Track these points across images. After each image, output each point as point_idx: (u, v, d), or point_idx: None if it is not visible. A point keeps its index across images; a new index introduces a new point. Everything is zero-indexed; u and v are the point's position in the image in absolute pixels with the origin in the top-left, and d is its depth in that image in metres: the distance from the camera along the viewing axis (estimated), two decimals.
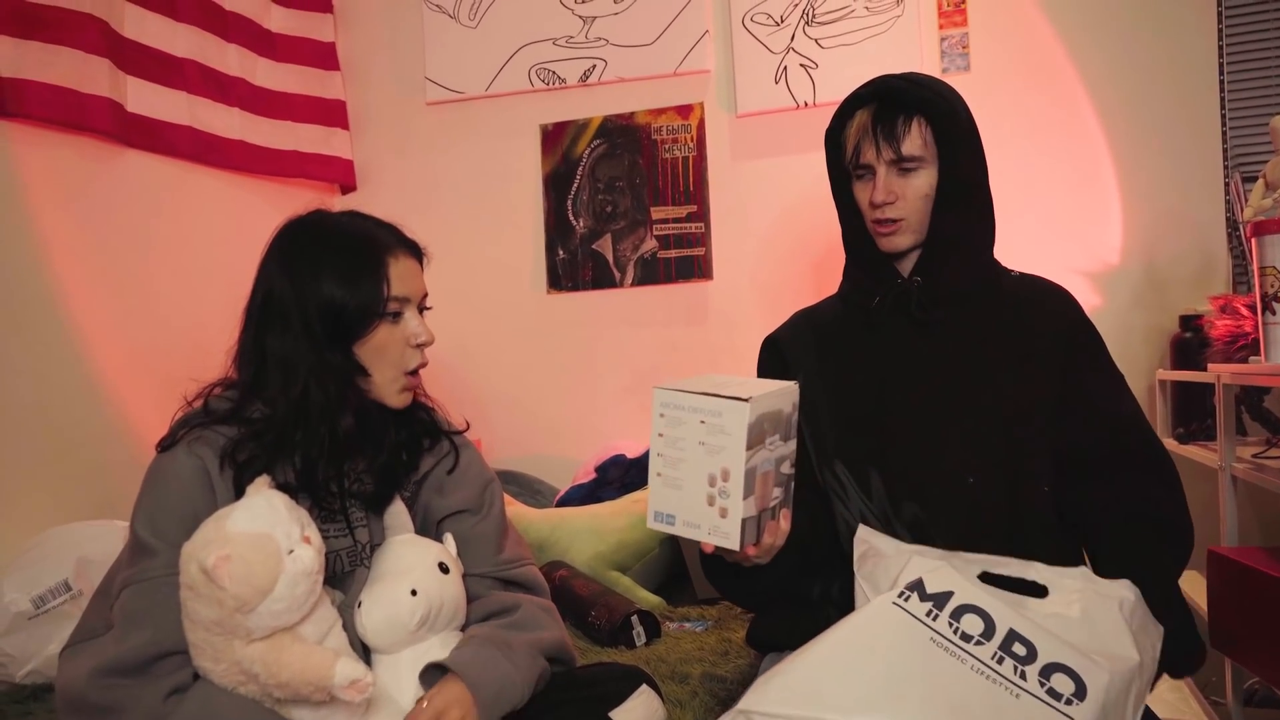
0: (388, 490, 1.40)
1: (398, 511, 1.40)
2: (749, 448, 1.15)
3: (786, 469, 1.27)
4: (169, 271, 2.57)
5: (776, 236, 2.93)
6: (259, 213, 2.88)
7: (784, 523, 1.28)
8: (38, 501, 2.14)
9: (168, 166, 2.63)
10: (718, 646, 1.95)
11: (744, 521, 1.17)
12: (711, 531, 1.18)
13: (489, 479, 1.55)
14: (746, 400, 1.14)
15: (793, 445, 1.27)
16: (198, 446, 1.28)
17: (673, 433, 1.19)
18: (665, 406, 1.20)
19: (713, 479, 1.17)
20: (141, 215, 2.54)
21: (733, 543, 1.17)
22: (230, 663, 1.17)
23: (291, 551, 1.18)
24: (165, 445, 1.31)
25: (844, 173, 1.54)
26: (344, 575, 1.35)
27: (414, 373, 1.38)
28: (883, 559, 1.30)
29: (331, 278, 1.30)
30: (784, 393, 1.22)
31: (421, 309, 1.40)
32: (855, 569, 1.33)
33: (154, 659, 1.18)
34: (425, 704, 1.24)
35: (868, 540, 1.36)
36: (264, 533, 1.17)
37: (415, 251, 1.41)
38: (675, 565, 2.43)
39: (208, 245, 2.68)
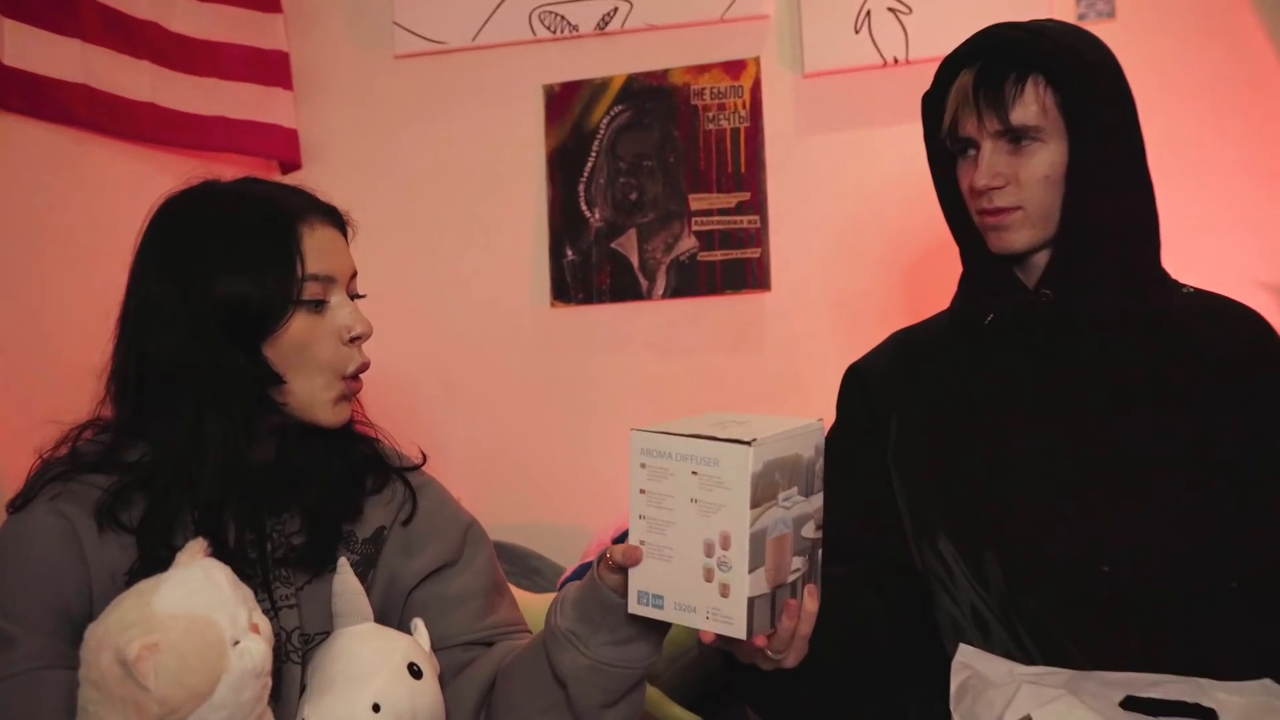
0: (327, 539, 1.39)
1: (348, 592, 1.38)
2: (755, 505, 1.14)
3: (810, 532, 1.25)
4: (56, 276, 2.57)
5: (856, 234, 2.92)
6: None
7: (810, 602, 1.25)
8: None
9: (56, 136, 2.63)
10: None
11: (752, 601, 1.15)
12: (710, 615, 1.17)
13: (467, 521, 1.55)
14: (749, 443, 1.12)
15: (818, 501, 1.26)
16: (63, 503, 1.28)
17: (657, 488, 1.19)
18: (647, 454, 1.20)
19: (710, 546, 1.16)
20: (21, 202, 2.54)
21: (738, 629, 1.16)
22: None
23: (237, 643, 1.16)
24: (18, 504, 1.31)
25: (945, 151, 1.55)
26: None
27: (353, 376, 1.38)
28: (985, 691, 1.27)
29: (228, 267, 1.30)
30: (802, 434, 1.21)
31: (352, 294, 1.40)
32: (952, 707, 1.30)
33: None
34: None
35: (970, 664, 1.33)
36: (203, 616, 1.16)
37: (336, 219, 1.41)
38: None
39: (109, 241, 2.66)
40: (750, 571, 1.15)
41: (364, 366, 1.39)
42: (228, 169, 3.08)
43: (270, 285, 1.31)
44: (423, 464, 1.57)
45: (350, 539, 1.45)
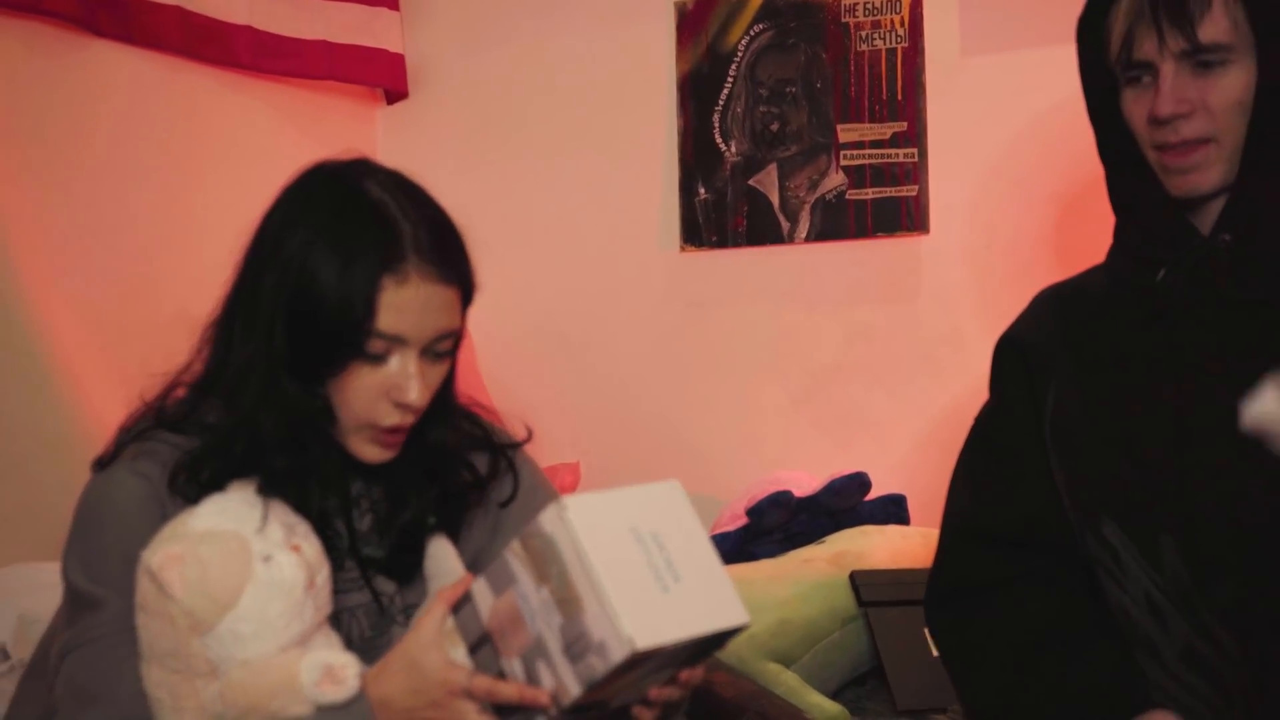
0: (408, 558, 1.45)
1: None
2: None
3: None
4: (151, 215, 2.69)
5: (1028, 169, 2.88)
6: (274, 130, 2.98)
7: None
8: None
9: (149, 63, 2.75)
10: None
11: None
12: None
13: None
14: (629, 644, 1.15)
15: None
16: (142, 463, 1.35)
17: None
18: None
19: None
20: (113, 132, 2.66)
21: None
22: (195, 711, 1.24)
23: (269, 558, 1.24)
24: (103, 462, 1.38)
25: (1107, 79, 1.52)
26: (367, 643, 1.41)
27: (391, 430, 1.39)
28: None
29: (323, 275, 1.32)
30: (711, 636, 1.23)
31: (437, 352, 1.39)
32: None
33: None
34: None
35: None
36: (229, 530, 1.25)
37: (448, 273, 1.38)
38: (865, 658, 2.42)
39: (204, 175, 2.79)
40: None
41: (401, 426, 1.39)
42: (329, 98, 3.20)
43: (334, 328, 1.33)
44: (527, 440, 1.61)
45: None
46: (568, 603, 1.15)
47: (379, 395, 1.35)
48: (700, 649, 1.23)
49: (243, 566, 1.24)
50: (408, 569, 1.44)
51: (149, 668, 1.26)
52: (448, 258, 1.37)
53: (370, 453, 1.40)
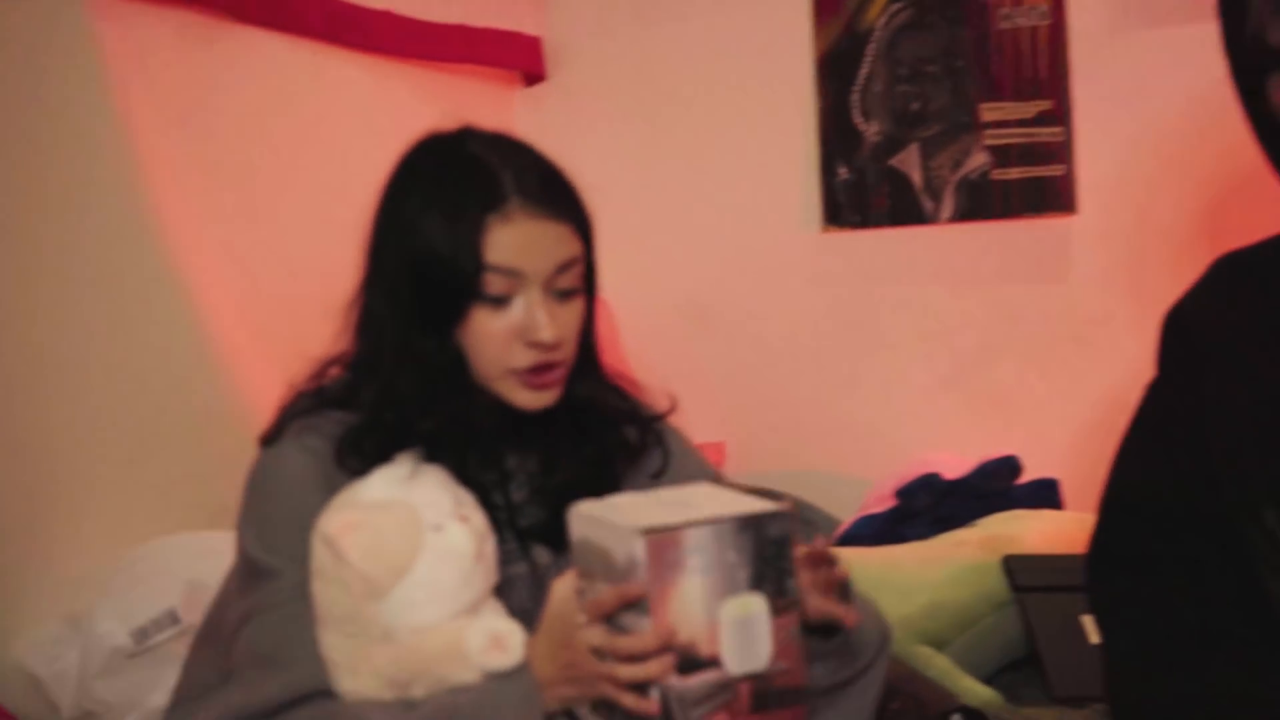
0: (563, 523, 1.46)
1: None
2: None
3: None
4: (297, 196, 2.75)
5: (1182, 147, 2.83)
6: (415, 113, 3.00)
7: None
8: (136, 504, 2.35)
9: (294, 49, 2.82)
10: None
11: None
12: None
13: (711, 474, 1.60)
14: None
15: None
16: (307, 438, 1.40)
17: None
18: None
19: None
20: (260, 116, 2.73)
21: None
22: (369, 674, 1.28)
23: (440, 528, 1.28)
24: (270, 439, 1.43)
25: (1253, 58, 1.48)
26: (526, 614, 1.41)
27: (535, 371, 1.41)
28: None
29: (433, 220, 1.37)
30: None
31: (562, 290, 1.41)
32: None
33: (291, 704, 1.29)
34: None
35: None
36: (400, 500, 1.29)
37: (556, 209, 1.41)
38: (1019, 644, 2.40)
39: (347, 159, 2.84)
40: None
41: (545, 364, 1.41)
42: (468, 81, 3.24)
43: (448, 272, 1.37)
44: (672, 410, 1.61)
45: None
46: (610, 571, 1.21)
47: (510, 338, 1.38)
48: (769, 562, 1.23)
49: (415, 535, 1.27)
50: (563, 535, 1.45)
51: (325, 633, 1.30)
52: (553, 195, 1.40)
53: (525, 398, 1.41)
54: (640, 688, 1.19)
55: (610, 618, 1.21)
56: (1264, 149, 1.52)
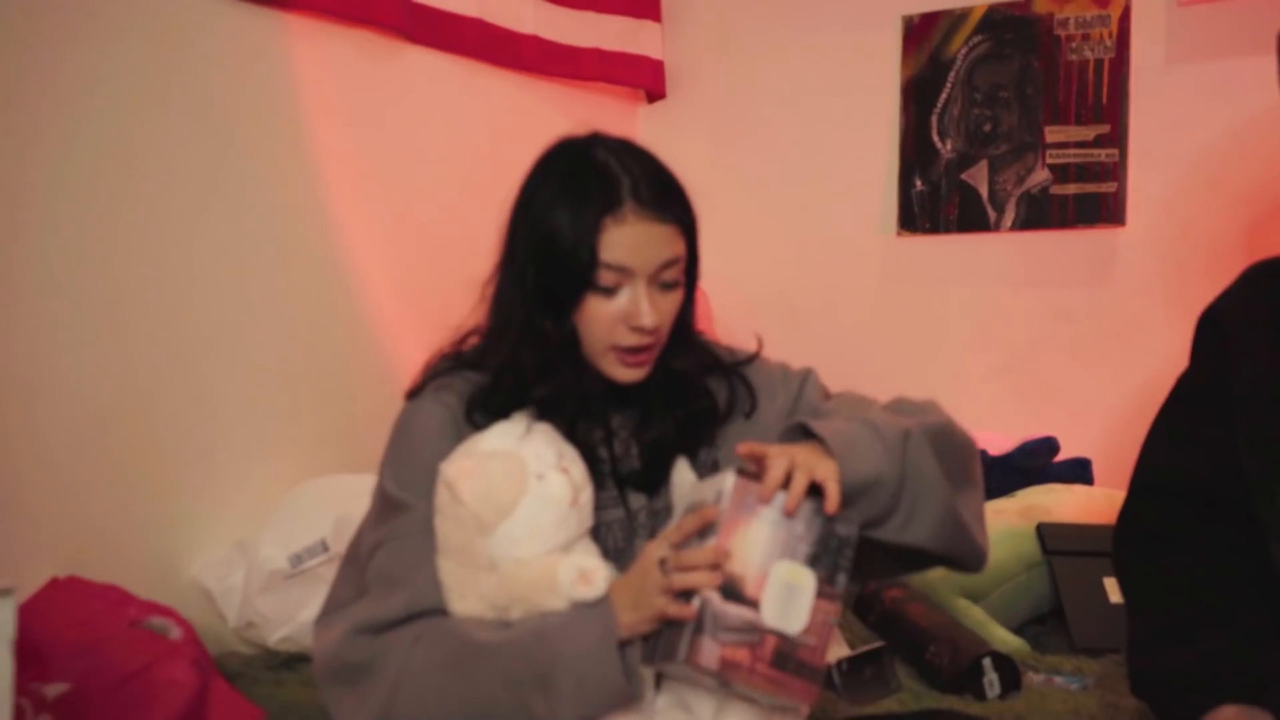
0: (656, 474, 1.49)
1: (680, 476, 1.48)
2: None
3: None
4: (448, 190, 2.82)
5: (1223, 170, 2.79)
6: (550, 123, 3.05)
7: None
8: (296, 451, 2.45)
9: (454, 66, 2.89)
10: (1100, 713, 1.90)
11: None
12: None
13: (797, 377, 1.58)
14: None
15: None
16: (444, 394, 1.44)
17: None
18: None
19: None
20: (421, 123, 2.81)
21: None
22: (475, 598, 1.33)
23: (542, 477, 1.32)
24: (412, 394, 1.48)
25: None
26: (619, 553, 1.45)
27: (632, 351, 1.43)
28: None
29: (558, 220, 1.39)
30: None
31: (665, 282, 1.42)
32: None
33: (411, 618, 1.35)
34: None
35: None
36: (510, 452, 1.33)
37: (665, 213, 1.41)
38: (1046, 600, 2.39)
39: (491, 161, 2.91)
40: None
41: (644, 346, 1.43)
42: (599, 97, 3.28)
43: (568, 264, 1.38)
44: (758, 351, 1.59)
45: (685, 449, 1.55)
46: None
47: (617, 322, 1.40)
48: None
49: (520, 482, 1.31)
50: (653, 483, 1.47)
51: (442, 560, 1.35)
52: (662, 200, 1.40)
53: (620, 373, 1.43)
54: (687, 600, 1.20)
55: (683, 545, 1.25)
56: None
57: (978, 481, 1.51)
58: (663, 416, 1.50)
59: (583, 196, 1.38)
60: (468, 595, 1.34)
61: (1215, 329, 1.58)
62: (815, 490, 1.24)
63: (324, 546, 2.15)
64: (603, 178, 1.39)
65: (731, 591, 1.20)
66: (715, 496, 1.23)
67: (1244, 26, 2.75)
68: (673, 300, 1.44)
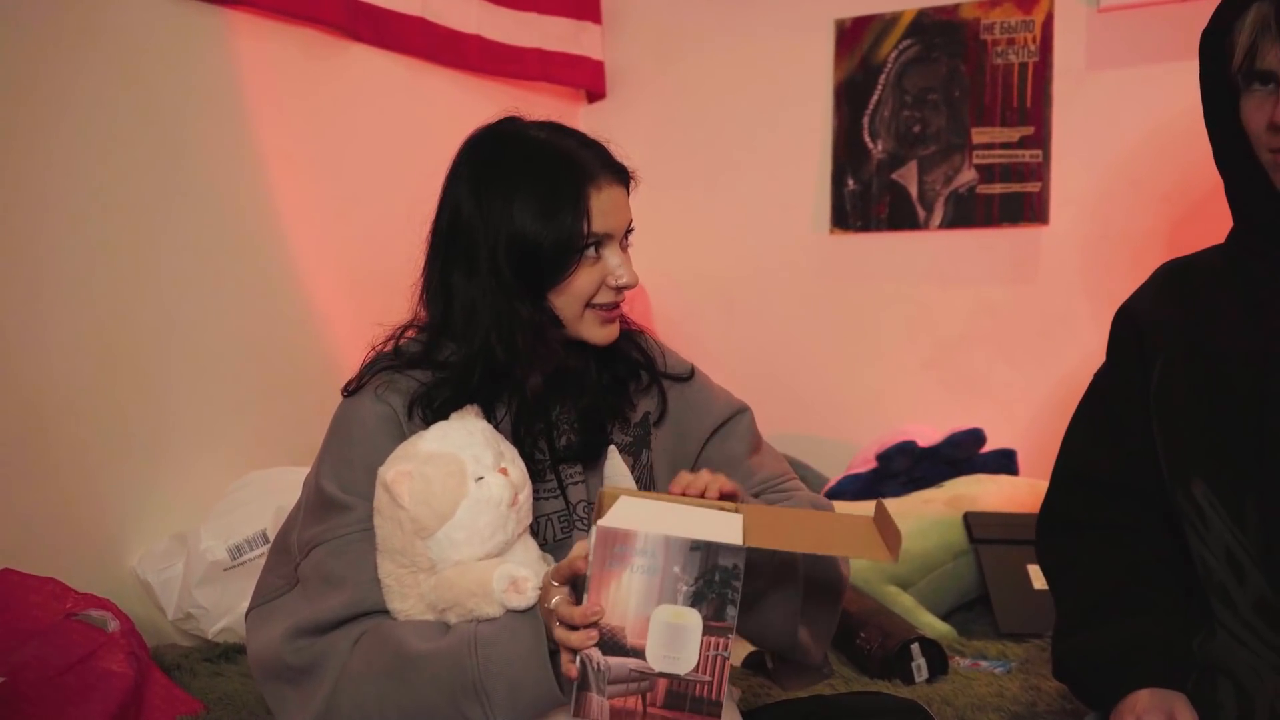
0: (596, 438, 1.47)
1: (614, 474, 1.47)
2: None
3: None
4: (391, 189, 2.77)
5: (1142, 170, 2.81)
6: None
7: None
8: (240, 442, 2.41)
9: (397, 65, 2.85)
10: (1022, 695, 1.92)
11: None
12: None
13: (734, 407, 1.60)
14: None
15: None
16: (385, 393, 1.40)
17: None
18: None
19: None
20: (365, 121, 2.76)
21: None
22: (416, 598, 1.31)
23: (481, 479, 1.29)
24: (351, 390, 1.43)
25: (1227, 88, 1.45)
26: (558, 544, 1.44)
27: (608, 308, 1.43)
28: None
29: (527, 208, 1.37)
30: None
31: (625, 245, 1.44)
32: None
33: (351, 619, 1.33)
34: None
35: None
36: (450, 454, 1.30)
37: (623, 177, 1.44)
38: (973, 587, 2.41)
39: (434, 160, 2.86)
40: None
41: (616, 303, 1.44)
42: (540, 97, 3.25)
43: (560, 237, 1.37)
44: (689, 378, 1.59)
45: (625, 424, 1.53)
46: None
47: (598, 283, 1.40)
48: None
49: (459, 485, 1.28)
50: (591, 453, 1.46)
51: (383, 561, 1.33)
52: (615, 162, 1.43)
53: (599, 333, 1.44)
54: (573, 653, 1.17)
55: (577, 587, 1.22)
56: (1222, 164, 1.50)
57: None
58: (596, 380, 1.49)
59: (553, 178, 1.37)
60: (408, 595, 1.32)
61: (1130, 326, 1.58)
62: (714, 530, 1.20)
63: (265, 538, 2.12)
64: (565, 157, 1.39)
65: (613, 644, 1.16)
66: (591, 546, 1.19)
67: (1161, 33, 2.77)
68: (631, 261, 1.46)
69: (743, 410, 1.61)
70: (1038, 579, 2.32)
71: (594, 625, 1.15)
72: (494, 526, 1.30)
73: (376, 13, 2.74)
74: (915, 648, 2.03)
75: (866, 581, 2.32)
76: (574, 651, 1.15)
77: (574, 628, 1.15)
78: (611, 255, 1.41)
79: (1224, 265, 1.53)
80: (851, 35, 3.11)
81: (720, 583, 1.17)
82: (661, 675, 1.16)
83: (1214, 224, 1.56)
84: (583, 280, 1.40)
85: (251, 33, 2.48)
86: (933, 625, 2.25)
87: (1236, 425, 1.42)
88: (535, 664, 1.23)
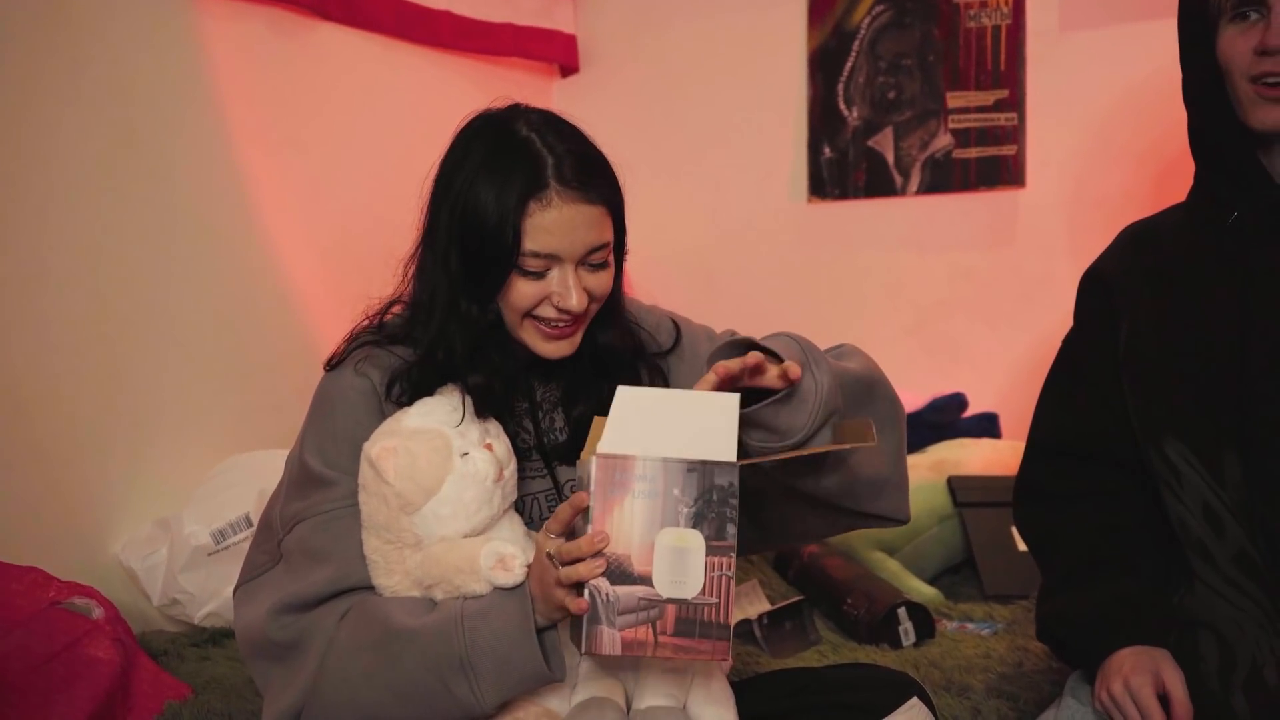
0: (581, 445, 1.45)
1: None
2: None
3: None
4: (365, 167, 2.76)
5: (1115, 131, 2.81)
6: (467, 99, 2.99)
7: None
8: (221, 426, 2.39)
9: (367, 43, 2.81)
10: (1009, 656, 1.93)
11: None
12: None
13: (714, 339, 1.56)
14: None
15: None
16: (365, 367, 1.38)
17: None
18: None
19: None
20: (337, 100, 2.73)
21: None
22: (401, 574, 1.30)
23: (466, 454, 1.29)
24: (332, 364, 1.42)
25: (1205, 22, 1.43)
26: (545, 523, 1.43)
27: (552, 324, 1.37)
28: None
29: (481, 204, 1.31)
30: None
31: (593, 264, 1.36)
32: None
33: (336, 594, 1.32)
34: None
35: None
36: (435, 429, 1.30)
37: (591, 194, 1.34)
38: (958, 551, 2.41)
39: (409, 137, 2.85)
40: None
41: (563, 320, 1.36)
42: (513, 73, 3.22)
43: (494, 247, 1.32)
44: (674, 345, 1.55)
45: None
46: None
47: (540, 299, 1.34)
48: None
49: (445, 460, 1.28)
50: (577, 454, 1.44)
51: (368, 537, 1.32)
52: (589, 180, 1.33)
53: (542, 347, 1.38)
54: (579, 590, 1.17)
55: (573, 532, 1.21)
56: (1191, 102, 1.48)
57: (898, 427, 1.48)
58: (589, 389, 1.46)
59: (506, 177, 1.31)
60: (394, 571, 1.31)
61: (1096, 289, 1.58)
62: (709, 448, 1.19)
63: (248, 521, 2.11)
64: (526, 156, 1.32)
65: (620, 573, 1.16)
66: (586, 480, 1.18)
67: None
68: (602, 279, 1.38)
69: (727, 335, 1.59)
70: (1021, 542, 2.33)
71: (600, 555, 1.15)
72: (479, 502, 1.29)
73: None
74: (902, 612, 2.04)
75: (852, 548, 2.33)
76: (580, 587, 1.15)
77: (577, 561, 1.15)
78: (559, 275, 1.33)
79: (1188, 221, 1.52)
80: (824, 2, 3.10)
81: (719, 502, 1.18)
82: (670, 601, 1.16)
83: (1182, 184, 1.56)
84: (518, 292, 1.34)
85: (219, 13, 2.44)
86: (919, 589, 2.26)
87: (1214, 382, 1.42)
88: (523, 640, 1.23)
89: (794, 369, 1.22)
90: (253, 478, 2.18)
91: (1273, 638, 1.36)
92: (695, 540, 1.18)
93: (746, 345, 1.31)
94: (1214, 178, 1.47)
